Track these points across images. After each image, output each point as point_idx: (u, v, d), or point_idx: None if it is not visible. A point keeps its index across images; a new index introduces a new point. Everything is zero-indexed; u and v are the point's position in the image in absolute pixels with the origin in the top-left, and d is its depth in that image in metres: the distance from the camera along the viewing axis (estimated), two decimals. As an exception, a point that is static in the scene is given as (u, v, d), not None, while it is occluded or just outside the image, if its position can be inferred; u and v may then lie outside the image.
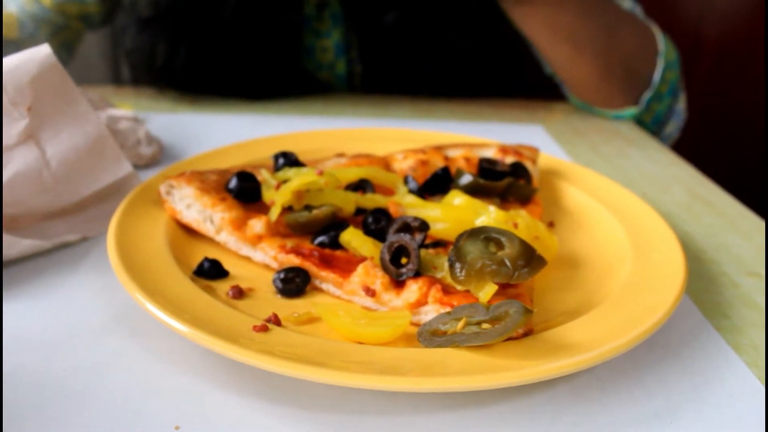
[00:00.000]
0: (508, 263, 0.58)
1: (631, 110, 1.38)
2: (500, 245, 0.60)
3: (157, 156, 1.00)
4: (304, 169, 0.74)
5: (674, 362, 0.61)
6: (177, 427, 0.51)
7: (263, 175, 0.74)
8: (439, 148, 0.88)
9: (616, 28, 1.32)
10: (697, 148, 1.28)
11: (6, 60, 0.71)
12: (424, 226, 0.67)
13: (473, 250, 0.59)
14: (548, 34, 1.30)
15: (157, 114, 1.22)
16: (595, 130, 1.32)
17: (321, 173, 0.72)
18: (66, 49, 1.51)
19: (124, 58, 1.48)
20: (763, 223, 0.92)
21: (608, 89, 1.37)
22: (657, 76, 1.35)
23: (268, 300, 0.64)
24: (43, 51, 0.72)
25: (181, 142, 1.09)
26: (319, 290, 0.66)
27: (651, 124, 1.42)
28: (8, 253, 0.69)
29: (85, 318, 0.63)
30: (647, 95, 1.36)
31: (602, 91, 1.38)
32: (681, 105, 1.45)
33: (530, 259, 0.59)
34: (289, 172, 0.73)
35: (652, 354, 0.62)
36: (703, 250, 0.84)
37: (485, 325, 0.54)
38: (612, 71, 1.34)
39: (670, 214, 0.92)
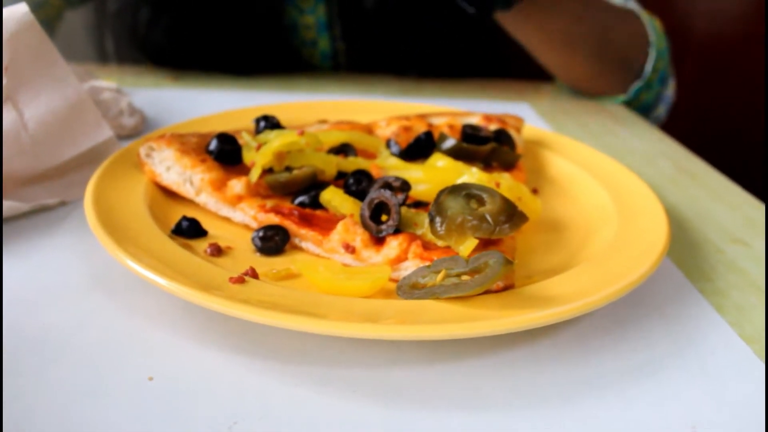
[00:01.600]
0: (489, 219, 0.57)
1: (620, 98, 1.37)
2: (482, 202, 0.59)
3: (139, 127, 0.99)
4: (284, 131, 0.73)
5: (657, 320, 0.61)
6: (150, 378, 0.50)
7: (244, 138, 0.73)
8: (423, 116, 0.87)
9: (609, 26, 1.31)
10: (685, 140, 1.28)
11: (-18, 18, 0.70)
12: (405, 186, 0.66)
13: (454, 205, 0.59)
14: (542, 39, 1.28)
15: (141, 89, 1.21)
16: (582, 109, 1.32)
17: (302, 133, 0.71)
18: (45, 27, 1.48)
19: (106, 22, 1.46)
20: (747, 194, 0.92)
21: (602, 83, 1.36)
22: (649, 67, 1.34)
23: (247, 258, 0.63)
24: (20, 9, 0.71)
25: (163, 116, 1.08)
26: (299, 249, 0.66)
27: (639, 110, 1.41)
28: (-16, 214, 0.68)
29: (63, 278, 0.62)
30: (637, 85, 1.35)
31: (596, 86, 1.37)
32: (669, 91, 1.44)
33: (512, 215, 0.58)
34: (270, 135, 0.73)
35: (635, 312, 0.61)
36: (688, 218, 0.83)
37: (465, 277, 0.53)
38: (606, 67, 1.33)
39: (655, 186, 0.92)
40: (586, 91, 1.39)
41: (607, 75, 1.35)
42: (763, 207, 0.88)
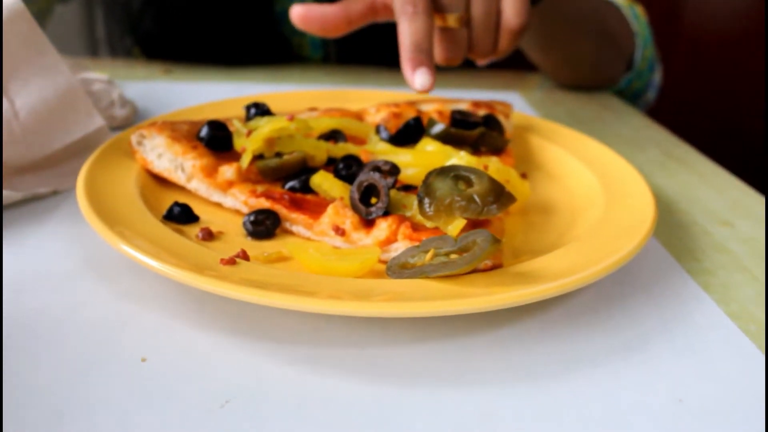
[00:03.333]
0: (477, 199, 0.58)
1: (613, 88, 1.38)
2: (470, 183, 0.60)
3: (130, 118, 1.00)
4: (275, 117, 0.74)
5: (644, 299, 0.62)
6: (144, 359, 0.50)
7: (235, 125, 0.74)
8: (412, 103, 0.88)
9: (603, 12, 1.32)
10: (673, 128, 1.28)
11: (-29, 8, 0.70)
12: (394, 169, 0.67)
13: (442, 186, 0.59)
14: (552, 28, 1.26)
15: (133, 82, 1.21)
16: (570, 97, 1.32)
17: (292, 119, 0.71)
18: (36, 20, 1.48)
19: (98, 11, 1.46)
20: (733, 178, 0.93)
21: (602, 71, 1.35)
22: (638, 55, 1.35)
23: (238, 242, 0.64)
24: (10, -2, 0.71)
25: (155, 108, 1.08)
26: (290, 233, 0.66)
27: (629, 98, 1.42)
28: (-24, 203, 0.68)
29: (54, 264, 0.62)
30: (628, 76, 1.36)
31: (596, 75, 1.36)
32: (656, 76, 1.45)
33: (499, 195, 0.59)
34: (261, 121, 0.73)
35: (623, 291, 0.62)
36: (676, 202, 0.84)
37: (453, 256, 0.54)
38: (606, 53, 1.33)
39: (644, 171, 0.92)
40: (585, 83, 1.39)
41: (607, 61, 1.34)
42: (750, 190, 0.89)
